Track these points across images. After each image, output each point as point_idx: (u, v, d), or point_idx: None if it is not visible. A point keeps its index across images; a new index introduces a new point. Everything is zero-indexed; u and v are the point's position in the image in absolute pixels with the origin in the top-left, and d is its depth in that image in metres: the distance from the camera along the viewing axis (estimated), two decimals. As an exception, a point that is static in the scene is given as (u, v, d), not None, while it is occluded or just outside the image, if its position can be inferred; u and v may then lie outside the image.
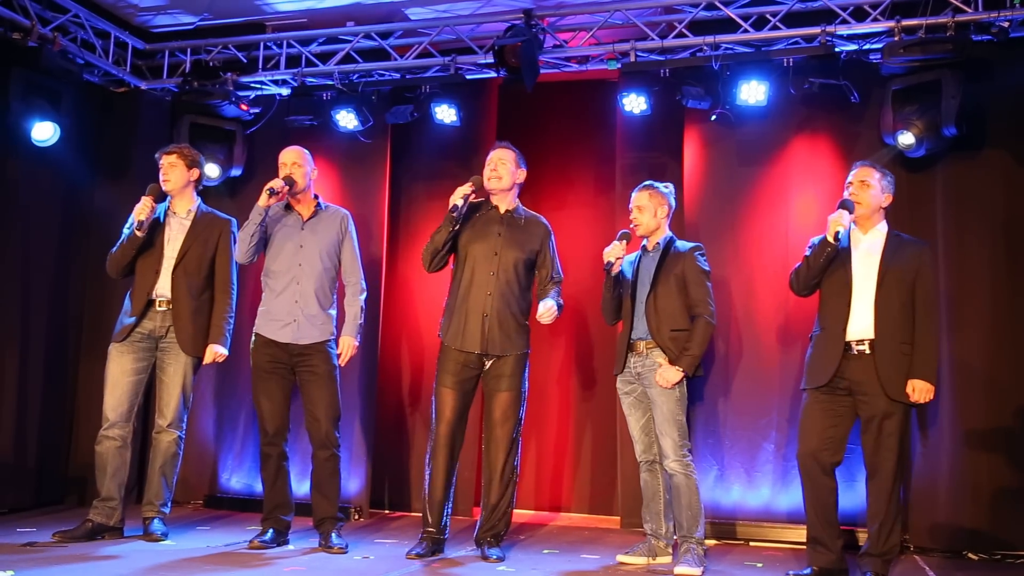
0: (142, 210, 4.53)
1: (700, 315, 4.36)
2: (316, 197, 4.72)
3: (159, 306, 4.65)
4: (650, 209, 4.47)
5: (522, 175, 4.60)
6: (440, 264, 4.52)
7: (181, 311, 4.65)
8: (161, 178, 4.72)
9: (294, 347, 4.53)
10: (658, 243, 4.50)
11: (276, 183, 4.49)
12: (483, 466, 4.47)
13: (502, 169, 4.51)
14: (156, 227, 4.68)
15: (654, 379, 4.32)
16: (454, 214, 4.39)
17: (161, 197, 4.69)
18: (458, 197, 4.39)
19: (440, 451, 4.42)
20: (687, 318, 4.38)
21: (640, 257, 4.56)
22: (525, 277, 4.52)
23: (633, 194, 4.55)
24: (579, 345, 6.21)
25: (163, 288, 4.65)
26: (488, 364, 4.43)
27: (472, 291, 4.44)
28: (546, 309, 4.38)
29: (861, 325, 4.02)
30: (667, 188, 4.56)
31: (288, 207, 4.68)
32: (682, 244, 4.52)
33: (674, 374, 4.28)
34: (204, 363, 4.74)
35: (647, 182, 4.58)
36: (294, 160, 4.62)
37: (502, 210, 4.55)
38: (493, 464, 4.41)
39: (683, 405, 4.34)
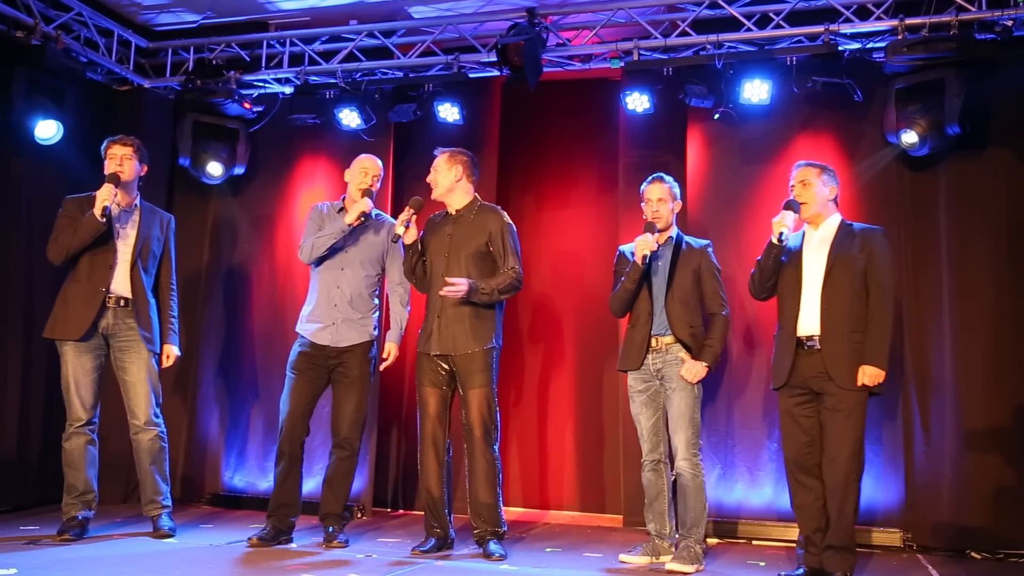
0: (108, 196, 4.44)
1: (716, 313, 4.39)
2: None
3: (110, 303, 4.59)
4: (667, 202, 4.46)
5: (458, 171, 4.55)
6: (424, 283, 4.60)
7: (141, 309, 4.64)
8: (113, 167, 4.63)
9: (332, 349, 4.56)
10: (670, 237, 4.48)
11: (367, 205, 4.54)
12: (467, 465, 4.48)
13: (435, 177, 4.56)
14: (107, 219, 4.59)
15: (677, 374, 4.30)
16: (396, 243, 4.46)
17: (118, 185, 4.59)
18: (399, 226, 4.40)
19: (429, 449, 4.46)
20: (700, 315, 4.40)
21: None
22: (482, 271, 4.48)
23: (645, 187, 4.50)
24: (577, 342, 6.20)
25: (118, 285, 4.60)
26: (454, 363, 4.44)
27: (431, 295, 4.52)
28: (450, 284, 4.32)
29: (811, 321, 4.03)
30: (675, 181, 4.55)
31: (343, 210, 4.68)
32: (692, 240, 4.52)
33: (700, 369, 4.28)
34: (164, 365, 4.76)
35: (658, 175, 4.54)
36: (378, 173, 4.68)
37: (452, 211, 4.58)
38: (474, 463, 4.42)
39: (699, 403, 4.34)
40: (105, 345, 4.65)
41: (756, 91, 5.18)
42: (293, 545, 4.56)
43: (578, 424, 6.13)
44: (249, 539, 4.52)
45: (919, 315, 5.08)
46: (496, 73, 5.81)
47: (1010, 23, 4.82)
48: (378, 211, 4.82)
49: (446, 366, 4.46)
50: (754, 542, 5.08)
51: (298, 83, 5.96)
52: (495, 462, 4.45)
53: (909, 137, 4.95)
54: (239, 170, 6.09)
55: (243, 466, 6.00)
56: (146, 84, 6.23)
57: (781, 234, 4.05)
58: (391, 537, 4.97)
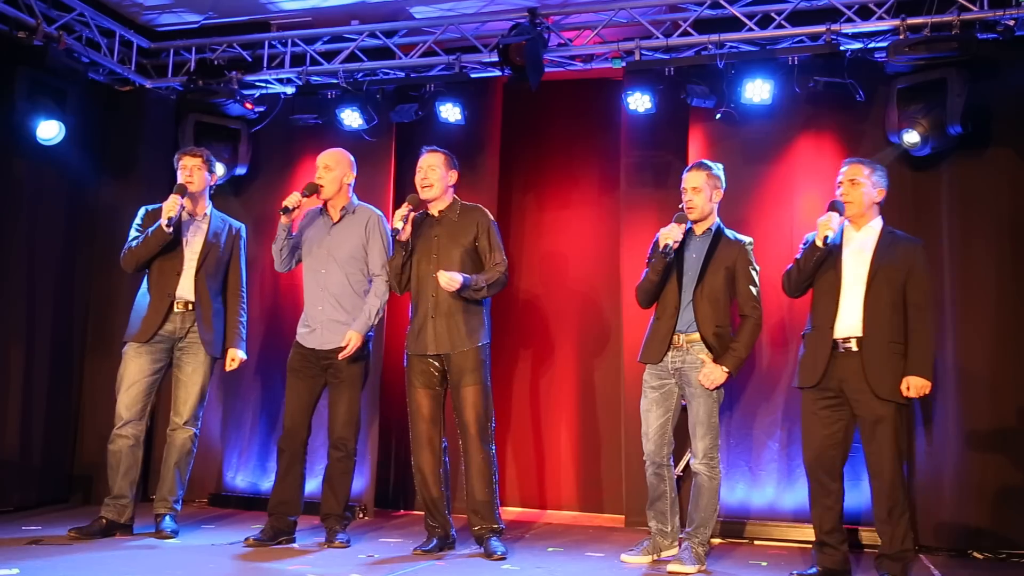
0: (173, 207, 4.56)
1: (749, 316, 4.25)
2: (351, 198, 4.71)
3: (178, 307, 4.70)
4: (706, 192, 4.31)
5: (453, 176, 4.56)
6: (408, 283, 4.53)
7: (204, 313, 4.72)
8: (184, 178, 4.76)
9: (320, 352, 4.57)
10: (709, 229, 4.36)
11: (291, 200, 4.51)
12: (463, 463, 4.47)
13: (432, 176, 4.50)
14: (175, 227, 4.71)
15: (696, 378, 4.21)
16: (397, 237, 4.39)
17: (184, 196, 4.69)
18: (397, 220, 4.36)
19: (423, 449, 4.46)
20: (729, 315, 4.29)
21: (686, 241, 4.37)
22: (472, 269, 4.48)
23: (685, 174, 4.38)
24: (577, 342, 6.19)
25: (184, 290, 4.70)
26: (448, 362, 4.43)
27: (419, 296, 4.48)
28: (445, 274, 4.28)
29: (849, 323, 3.97)
30: (720, 168, 4.40)
31: (323, 211, 4.69)
32: (733, 235, 4.38)
33: (720, 375, 4.16)
34: (228, 369, 4.83)
35: (701, 161, 4.45)
36: (326, 164, 4.62)
37: (436, 213, 4.54)
38: (470, 460, 4.42)
39: (718, 408, 4.25)
40: (170, 350, 4.73)
41: (758, 91, 5.17)
42: (295, 545, 4.56)
43: (578, 424, 6.12)
44: (246, 539, 4.52)
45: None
46: (498, 73, 5.81)
47: (1012, 23, 4.81)
48: (360, 201, 4.79)
49: (438, 365, 4.46)
50: (756, 542, 5.08)
51: (300, 83, 5.97)
52: (491, 459, 4.44)
53: (911, 137, 4.94)
54: (241, 170, 6.09)
55: (245, 466, 6.00)
56: (148, 84, 6.23)
57: (827, 237, 3.95)
58: (393, 537, 4.97)
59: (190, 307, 4.71)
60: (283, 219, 4.52)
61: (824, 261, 4.05)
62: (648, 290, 4.37)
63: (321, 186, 4.58)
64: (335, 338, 4.54)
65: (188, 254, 4.74)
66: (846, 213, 4.06)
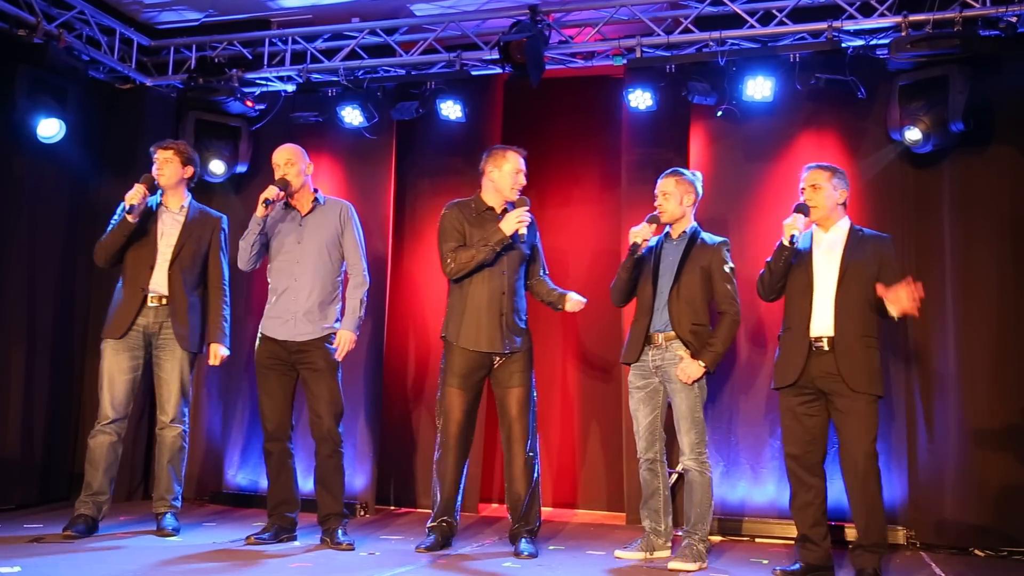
0: (135, 195, 4.52)
1: (726, 312, 4.34)
2: (315, 191, 4.70)
3: (152, 302, 4.66)
4: (676, 196, 4.42)
5: None
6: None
7: (177, 308, 4.67)
8: (155, 171, 4.73)
9: (292, 344, 4.53)
10: (684, 232, 4.45)
11: (271, 192, 4.46)
12: (504, 462, 4.49)
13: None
14: (149, 220, 4.69)
15: (674, 374, 4.28)
16: (520, 241, 4.42)
17: (153, 189, 4.66)
18: (522, 225, 4.35)
19: (452, 451, 4.44)
20: (708, 313, 4.37)
21: (662, 244, 4.51)
22: (525, 271, 4.58)
23: (659, 180, 4.50)
24: (579, 340, 6.20)
25: (157, 284, 4.66)
26: (498, 362, 4.44)
27: (486, 291, 4.44)
28: (579, 300, 4.52)
29: (823, 323, 4.03)
30: (694, 176, 4.52)
31: (287, 204, 4.67)
32: (708, 236, 4.47)
33: (696, 369, 4.24)
34: (211, 364, 4.78)
35: (674, 168, 4.54)
36: (287, 159, 4.58)
37: (498, 209, 4.53)
38: (515, 458, 4.44)
39: (702, 402, 4.31)
40: (147, 345, 4.70)
41: (759, 88, 5.17)
42: (296, 543, 4.56)
43: (581, 422, 6.13)
44: (247, 538, 4.52)
45: (922, 312, 5.02)
46: (498, 71, 5.81)
47: (1014, 19, 4.81)
48: (326, 196, 4.77)
49: (487, 366, 4.47)
50: (757, 540, 5.08)
51: (300, 81, 5.96)
52: (536, 456, 4.52)
53: (913, 134, 4.94)
54: (241, 168, 6.09)
55: (246, 464, 6.00)
56: (148, 82, 6.22)
57: (792, 236, 4.04)
58: (394, 535, 4.97)
59: (164, 301, 4.67)
60: (262, 211, 4.45)
61: (795, 263, 4.13)
62: (618, 288, 4.54)
63: (289, 181, 4.55)
64: (310, 328, 4.52)
65: (162, 247, 4.69)
66: (812, 217, 4.14)
